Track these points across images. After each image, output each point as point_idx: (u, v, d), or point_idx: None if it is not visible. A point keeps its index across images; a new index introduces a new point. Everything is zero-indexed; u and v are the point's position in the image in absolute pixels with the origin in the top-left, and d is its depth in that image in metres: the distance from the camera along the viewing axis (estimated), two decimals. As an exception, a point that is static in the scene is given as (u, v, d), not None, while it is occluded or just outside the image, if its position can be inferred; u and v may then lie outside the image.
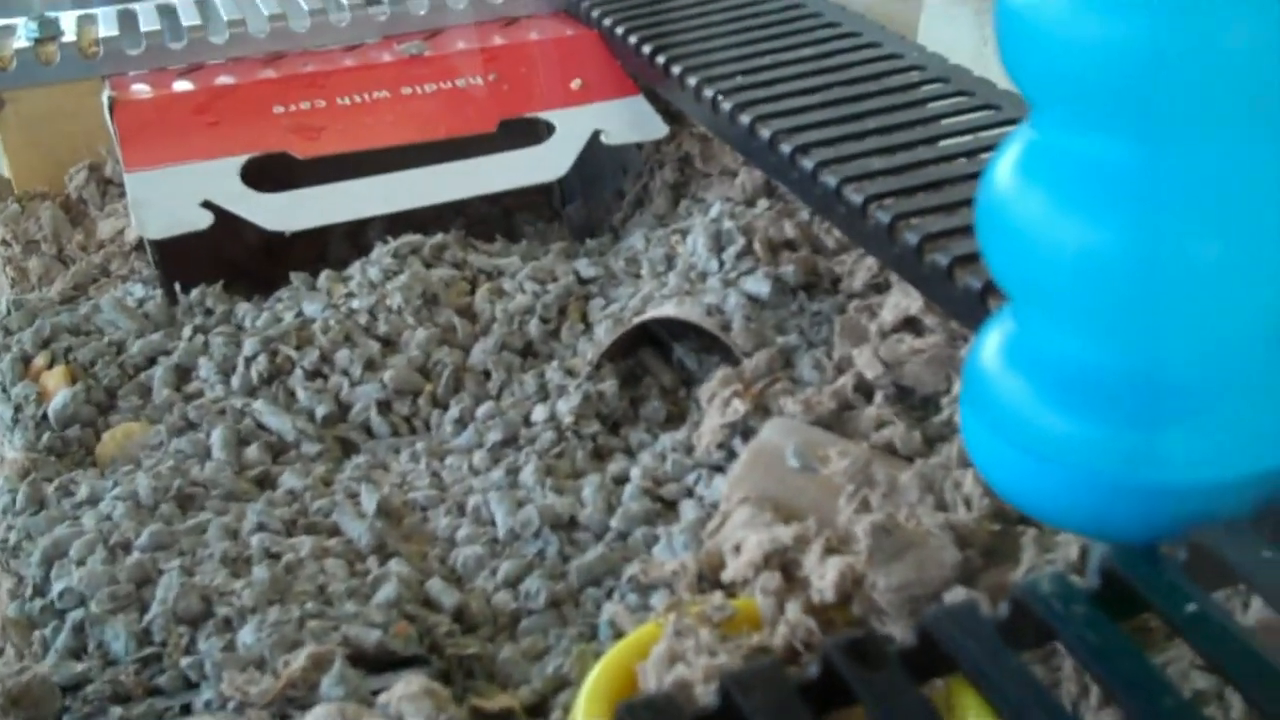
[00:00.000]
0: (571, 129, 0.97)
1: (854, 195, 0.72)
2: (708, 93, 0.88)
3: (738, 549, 0.61)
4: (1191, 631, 0.39)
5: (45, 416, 0.81)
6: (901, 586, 0.55)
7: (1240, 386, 0.44)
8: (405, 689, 0.53)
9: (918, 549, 0.56)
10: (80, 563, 0.66)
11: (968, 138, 0.78)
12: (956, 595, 0.55)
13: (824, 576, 0.57)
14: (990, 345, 0.48)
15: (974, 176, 0.72)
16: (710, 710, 0.40)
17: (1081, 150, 0.42)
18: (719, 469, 0.71)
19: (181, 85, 1.01)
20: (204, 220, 0.89)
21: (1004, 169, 0.45)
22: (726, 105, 0.86)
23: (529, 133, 0.99)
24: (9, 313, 0.89)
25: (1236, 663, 0.38)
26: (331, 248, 1.00)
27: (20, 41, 1.03)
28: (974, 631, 0.40)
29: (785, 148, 0.79)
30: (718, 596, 0.59)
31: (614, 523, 0.69)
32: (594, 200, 1.05)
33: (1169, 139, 0.40)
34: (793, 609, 0.57)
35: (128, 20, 1.06)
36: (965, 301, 0.64)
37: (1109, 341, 0.44)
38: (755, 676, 0.40)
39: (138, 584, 0.65)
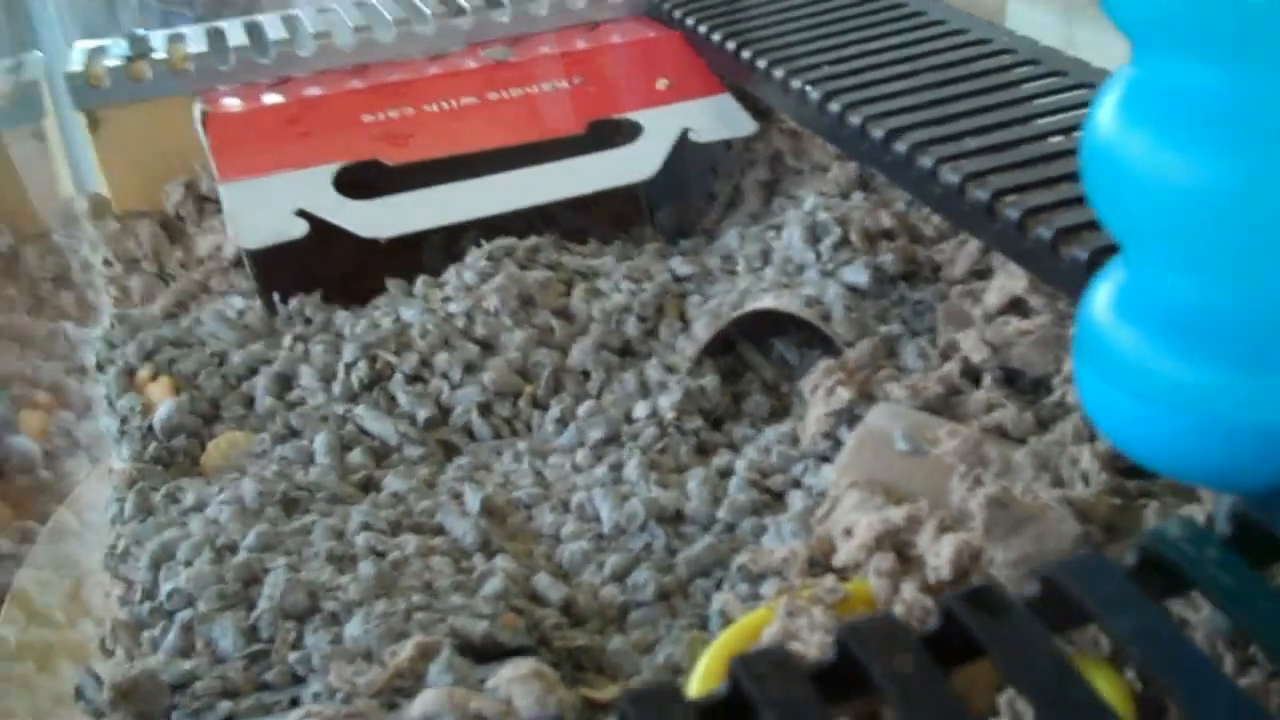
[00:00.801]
0: (660, 128, 0.97)
1: (950, 175, 0.71)
2: (795, 84, 0.87)
3: (849, 532, 0.60)
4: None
5: (151, 428, 0.82)
6: (1020, 560, 0.54)
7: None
8: (514, 672, 0.52)
9: (1036, 522, 0.55)
10: (188, 564, 0.66)
11: (1064, 116, 0.76)
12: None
13: (939, 554, 0.56)
14: (1101, 296, 0.47)
15: (1073, 152, 0.71)
16: (828, 664, 0.38)
17: (1184, 82, 0.41)
18: (825, 459, 0.70)
19: (271, 98, 1.02)
20: (299, 229, 0.90)
21: (1106, 109, 0.44)
22: (815, 95, 0.85)
23: (618, 134, 0.99)
24: (113, 327, 0.90)
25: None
26: (426, 258, 1.00)
27: (112, 60, 1.05)
28: (1103, 579, 0.39)
29: (877, 133, 0.78)
30: (830, 579, 0.58)
31: (721, 514, 0.68)
32: (684, 205, 1.04)
33: (1271, 65, 0.39)
34: (908, 588, 0.55)
35: (216, 37, 1.07)
36: (1072, 274, 0.63)
37: (1222, 281, 0.42)
38: (874, 629, 0.38)
39: (245, 583, 0.65)
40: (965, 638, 0.38)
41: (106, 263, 1.03)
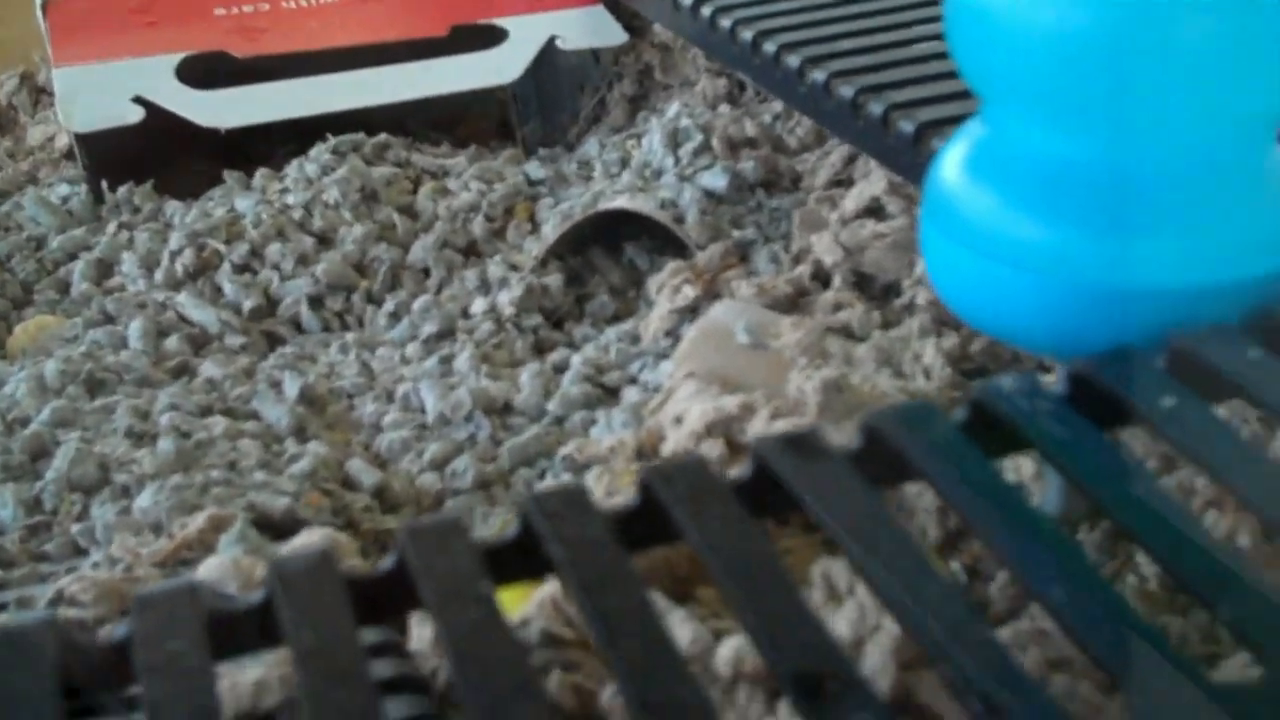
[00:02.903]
0: (526, 34, 0.93)
1: (817, 74, 0.68)
2: (668, -11, 0.84)
3: (679, 421, 0.57)
4: (1170, 426, 0.34)
5: (-48, 308, 0.76)
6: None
7: (1223, 185, 0.40)
8: (307, 539, 0.48)
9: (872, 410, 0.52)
10: (-29, 435, 0.61)
11: (940, 25, 0.73)
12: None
13: (770, 440, 0.52)
14: (955, 156, 0.44)
15: (943, 56, 0.68)
16: (629, 507, 0.35)
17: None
18: (665, 356, 0.66)
19: (120, -12, 0.96)
20: (134, 114, 0.84)
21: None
22: (687, 1, 0.81)
23: (483, 39, 0.95)
24: (-79, 205, 0.84)
25: (1213, 449, 0.34)
26: (277, 165, 0.95)
27: (-50, -59, 0.99)
28: (930, 430, 0.35)
29: (746, 34, 0.75)
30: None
31: (551, 407, 0.64)
32: (549, 121, 1.00)
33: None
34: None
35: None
36: (931, 168, 0.60)
37: (1086, 134, 0.40)
38: (678, 470, 0.35)
39: (32, 455, 0.60)
40: (778, 487, 0.35)
41: (-71, 147, 0.97)
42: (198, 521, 0.52)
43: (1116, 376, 0.37)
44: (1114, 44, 0.38)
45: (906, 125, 0.61)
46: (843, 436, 0.50)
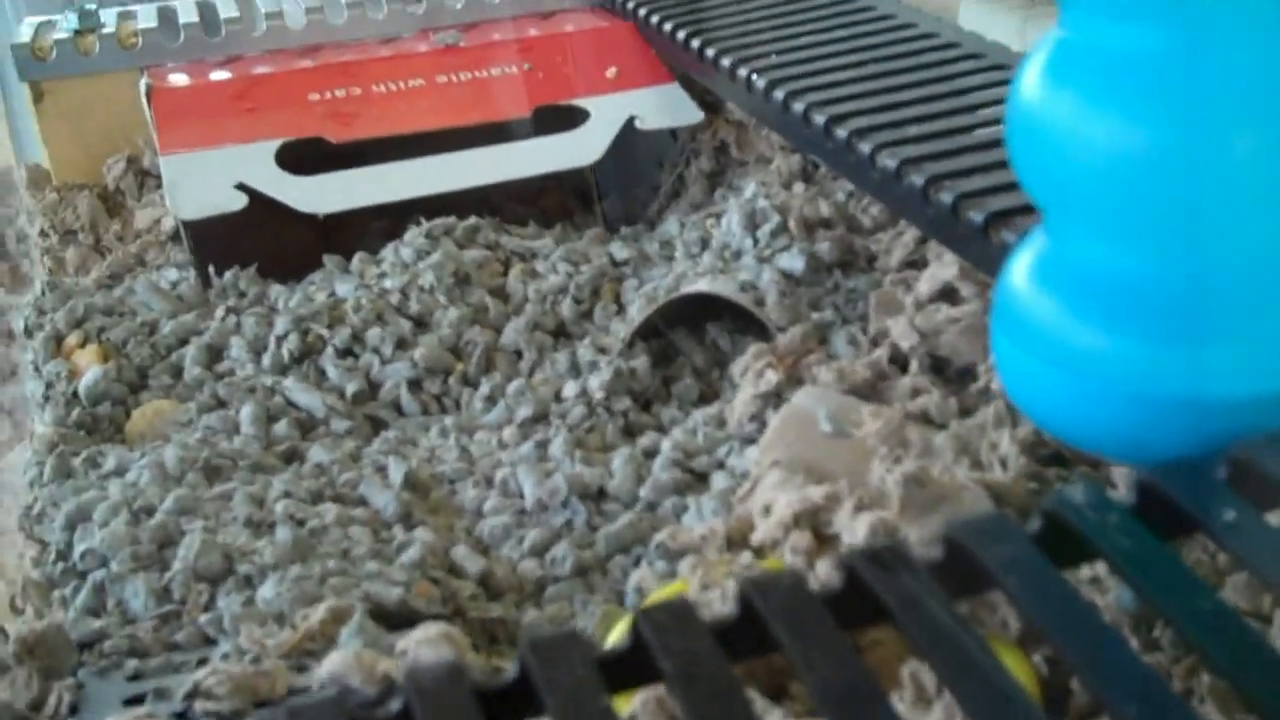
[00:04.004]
0: (606, 115, 0.97)
1: (888, 160, 0.71)
2: (743, 72, 0.87)
3: (767, 511, 0.60)
4: (1231, 538, 0.37)
5: (76, 394, 0.81)
6: (934, 539, 0.54)
7: (1281, 296, 0.43)
8: (424, 634, 0.52)
9: (952, 503, 0.55)
10: (103, 525, 0.65)
11: (1003, 107, 0.76)
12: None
13: (855, 532, 0.55)
14: (1022, 265, 0.47)
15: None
16: (730, 619, 0.38)
17: (1111, 43, 0.41)
18: (751, 441, 0.70)
19: (219, 75, 1.01)
20: (238, 202, 0.89)
21: (1032, 71, 0.44)
22: (761, 82, 0.85)
23: (565, 120, 0.99)
24: (44, 293, 0.89)
25: (1270, 561, 0.36)
26: (370, 243, 0.99)
27: (60, 33, 1.04)
28: (1006, 542, 0.38)
29: (819, 119, 0.78)
30: (745, 556, 0.58)
31: (643, 493, 0.68)
32: (630, 196, 1.04)
33: (1202, 25, 0.39)
34: (823, 566, 0.55)
35: (166, 14, 1.07)
36: (1002, 258, 0.62)
37: (1146, 248, 0.42)
38: (775, 584, 0.38)
39: (159, 545, 0.64)
40: (868, 598, 0.38)
41: (43, 234, 1.02)
42: (319, 613, 0.56)
43: (1180, 487, 0.40)
44: (1171, 162, 0.41)
45: (975, 215, 0.64)
46: (923, 531, 0.54)
